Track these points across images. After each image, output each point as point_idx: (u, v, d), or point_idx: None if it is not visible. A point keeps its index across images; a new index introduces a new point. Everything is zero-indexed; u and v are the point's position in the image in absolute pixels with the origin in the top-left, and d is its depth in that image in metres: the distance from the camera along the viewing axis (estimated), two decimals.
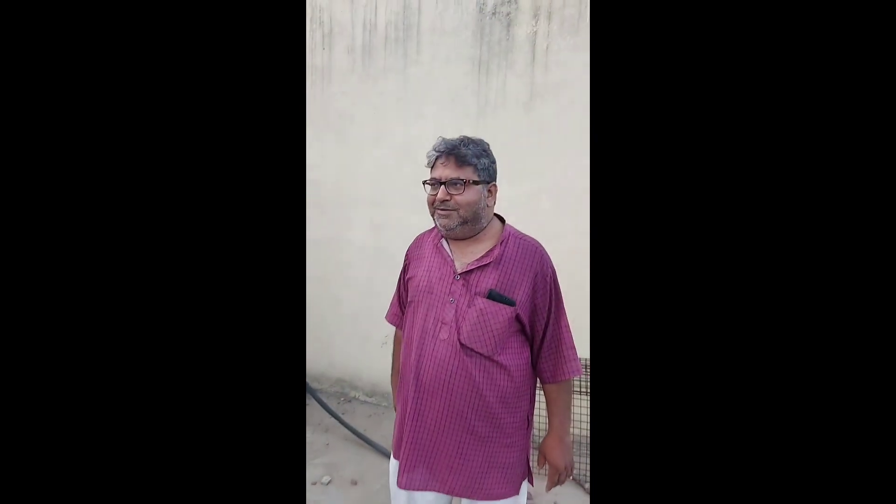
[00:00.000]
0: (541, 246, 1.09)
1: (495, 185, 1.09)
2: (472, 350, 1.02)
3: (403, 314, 1.21)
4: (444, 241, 1.12)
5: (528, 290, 1.04)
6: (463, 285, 1.04)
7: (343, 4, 2.52)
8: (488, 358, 1.02)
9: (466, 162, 1.02)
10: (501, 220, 1.14)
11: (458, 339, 1.02)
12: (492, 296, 1.02)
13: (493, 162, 1.08)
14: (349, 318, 2.67)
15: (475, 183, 1.03)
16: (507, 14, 2.17)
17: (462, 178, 1.02)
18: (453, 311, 1.04)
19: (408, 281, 1.17)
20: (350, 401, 2.73)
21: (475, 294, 1.03)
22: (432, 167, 1.06)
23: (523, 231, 1.13)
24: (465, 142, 1.05)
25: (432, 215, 1.07)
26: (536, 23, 2.12)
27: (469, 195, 1.02)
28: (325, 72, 2.58)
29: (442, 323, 1.04)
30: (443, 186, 1.02)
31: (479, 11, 2.22)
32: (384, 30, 2.44)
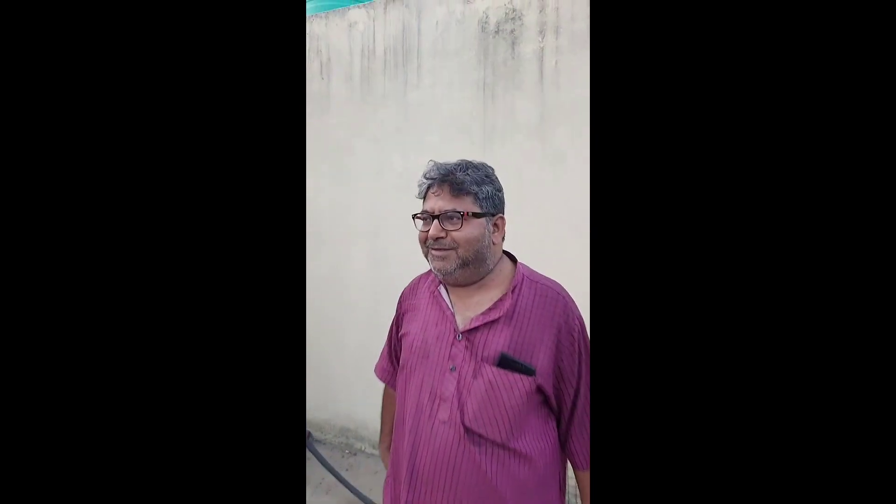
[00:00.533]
0: (563, 290, 0.87)
1: (503, 218, 0.88)
2: (480, 436, 0.79)
3: (395, 369, 1.01)
4: (441, 289, 0.91)
5: (550, 351, 0.81)
6: (466, 348, 0.82)
7: (340, 32, 2.41)
8: (502, 446, 0.79)
9: (464, 190, 0.82)
10: (513, 259, 0.93)
11: (462, 421, 0.79)
12: (504, 362, 0.80)
13: (499, 190, 0.87)
14: (352, 360, 2.47)
15: (476, 215, 0.82)
16: (511, 31, 2.01)
17: (459, 209, 0.81)
18: (454, 383, 0.81)
19: (401, 338, 0.96)
20: (355, 454, 2.49)
21: (482, 360, 0.81)
22: (424, 198, 0.87)
23: (540, 271, 0.92)
24: (463, 166, 0.85)
25: (426, 256, 0.87)
26: (543, 39, 1.95)
27: (469, 230, 0.81)
28: (321, 101, 2.46)
29: (440, 399, 0.82)
30: (436, 220, 0.82)
31: (481, 31, 2.07)
32: (383, 55, 2.31)
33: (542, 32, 1.96)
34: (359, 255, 2.44)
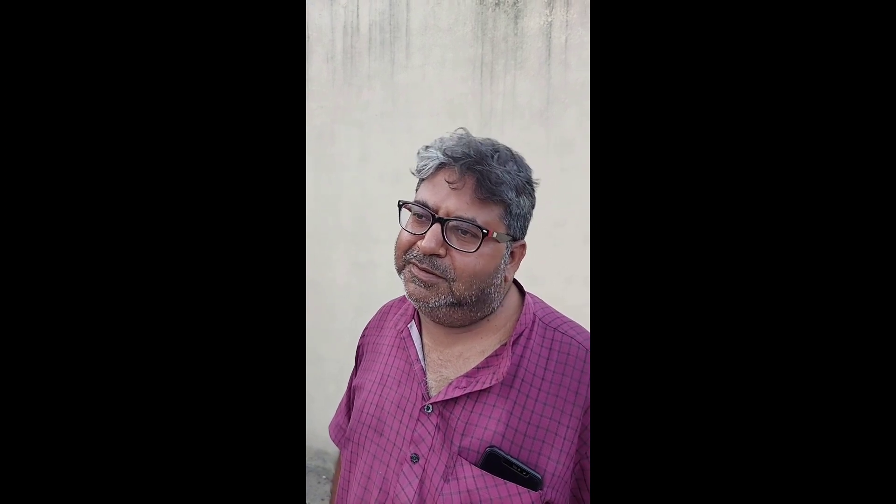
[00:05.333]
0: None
1: (524, 246, 0.59)
2: None
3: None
4: (413, 328, 0.62)
5: (570, 446, 0.52)
6: (437, 428, 0.54)
7: (321, 6, 2.16)
8: None
9: (497, 195, 0.52)
10: (520, 289, 0.63)
11: None
12: (492, 463, 0.51)
13: (534, 206, 0.58)
14: (332, 378, 2.20)
15: (498, 238, 0.54)
16: (514, 3, 1.77)
17: (481, 223, 0.52)
18: (415, 484, 0.53)
19: (353, 391, 0.69)
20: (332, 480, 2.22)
21: (458, 453, 0.53)
22: (427, 179, 0.56)
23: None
24: (503, 155, 0.55)
25: (399, 270, 0.57)
26: (551, 11, 1.72)
27: (482, 260, 0.53)
28: None
29: None
30: (437, 224, 0.52)
31: (479, 3, 1.83)
32: (367, 32, 2.06)
33: (550, 4, 1.72)
34: (340, 258, 2.19)
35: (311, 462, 2.31)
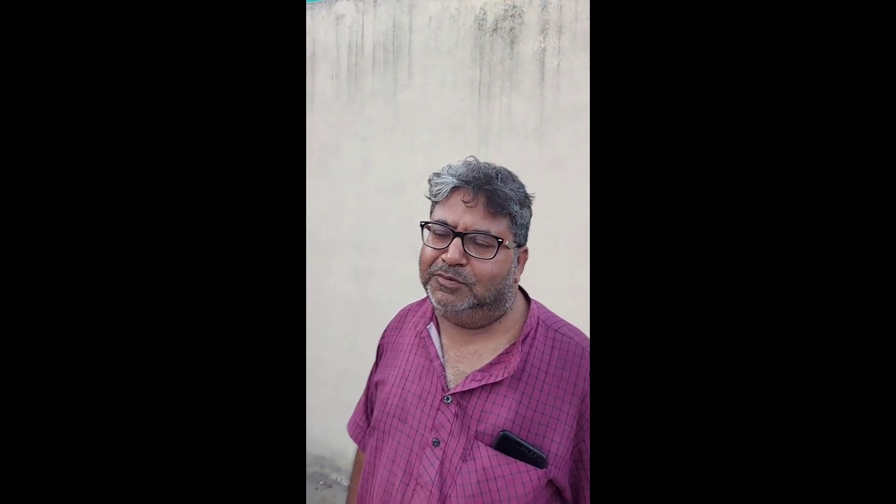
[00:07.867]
0: (587, 342, 0.67)
1: (527, 251, 0.69)
2: None
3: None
4: (432, 328, 0.70)
5: (570, 430, 0.61)
6: (456, 416, 0.62)
7: (327, 26, 2.27)
8: None
9: (505, 209, 0.62)
10: (525, 295, 0.72)
11: None
12: (505, 445, 0.60)
13: (532, 213, 0.68)
14: (330, 383, 2.26)
15: (507, 246, 0.63)
16: (511, 30, 1.89)
17: (495, 233, 0.61)
18: (437, 465, 0.61)
19: (376, 386, 0.76)
20: (331, 486, 2.26)
21: (475, 437, 0.61)
22: (442, 201, 0.64)
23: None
24: (504, 175, 0.64)
25: (425, 283, 0.66)
26: (545, 38, 1.83)
27: (496, 265, 0.62)
28: (305, 99, 2.30)
29: (417, 483, 0.62)
30: (457, 239, 0.61)
31: (477, 28, 1.94)
32: (371, 52, 2.16)
33: (543, 32, 1.84)
34: (340, 266, 2.26)
35: (309, 468, 2.34)
